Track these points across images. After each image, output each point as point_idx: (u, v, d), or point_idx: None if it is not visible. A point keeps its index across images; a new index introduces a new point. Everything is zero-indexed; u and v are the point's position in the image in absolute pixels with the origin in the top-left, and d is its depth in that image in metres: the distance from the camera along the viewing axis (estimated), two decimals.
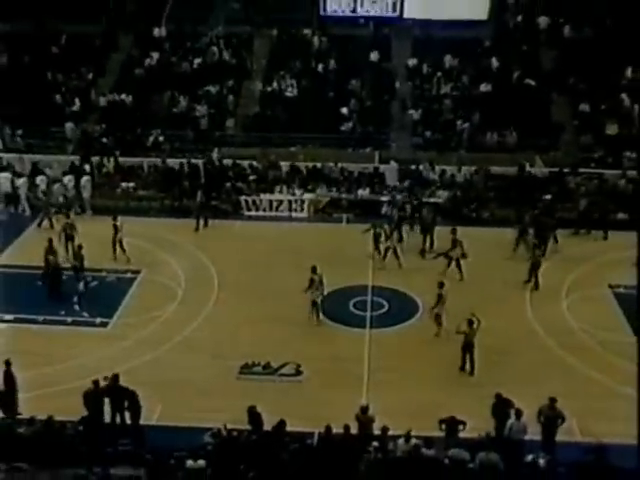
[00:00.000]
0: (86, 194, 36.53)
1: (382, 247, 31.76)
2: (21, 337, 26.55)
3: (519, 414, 20.68)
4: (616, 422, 21.70)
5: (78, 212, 35.68)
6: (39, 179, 37.08)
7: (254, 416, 21.02)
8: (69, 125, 41.06)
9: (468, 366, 25.26)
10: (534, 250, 30.11)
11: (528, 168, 37.79)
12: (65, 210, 34.43)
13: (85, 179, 36.88)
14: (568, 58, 43.44)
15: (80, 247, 30.54)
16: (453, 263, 30.79)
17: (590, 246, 33.22)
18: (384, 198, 36.70)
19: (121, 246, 31.96)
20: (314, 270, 27.81)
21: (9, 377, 22.42)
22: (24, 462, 19.96)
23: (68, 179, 37.00)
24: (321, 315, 28.08)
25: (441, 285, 27.07)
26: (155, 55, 44.44)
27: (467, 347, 25.13)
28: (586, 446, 20.18)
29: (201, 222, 34.86)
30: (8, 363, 22.47)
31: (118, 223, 32.05)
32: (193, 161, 38.53)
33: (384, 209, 36.21)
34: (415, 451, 19.98)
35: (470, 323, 24.84)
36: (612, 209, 35.46)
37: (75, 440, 20.90)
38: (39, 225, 34.93)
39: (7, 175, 37.47)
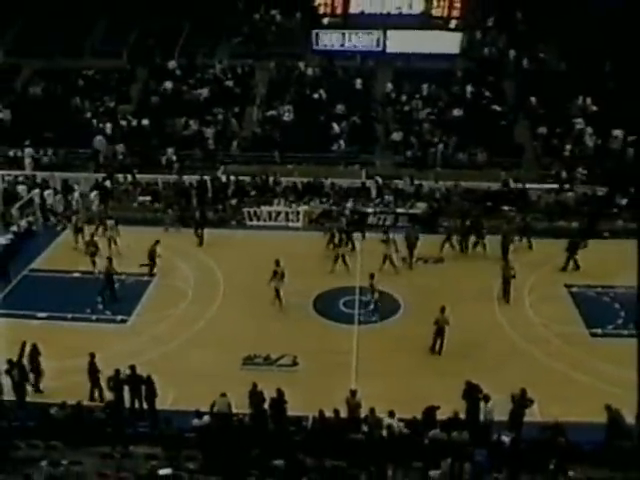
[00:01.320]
0: (94, 207, 36.61)
1: (333, 253, 32.02)
2: (53, 332, 26.69)
3: (487, 398, 21.08)
4: (571, 404, 22.08)
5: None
6: (46, 193, 37.38)
7: (256, 394, 21.49)
8: (98, 138, 41.13)
9: (438, 347, 25.84)
10: (507, 267, 29.52)
11: (512, 184, 37.89)
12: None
13: (94, 194, 37.10)
14: (528, 87, 43.68)
15: (92, 235, 32.55)
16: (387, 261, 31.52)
17: (547, 251, 33.28)
18: (369, 210, 36.93)
19: (109, 243, 32.91)
20: (277, 263, 28.59)
21: (93, 367, 22.74)
22: (57, 441, 20.19)
23: (78, 194, 37.26)
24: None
25: (372, 276, 28.27)
26: (169, 85, 44.54)
27: (439, 332, 25.67)
28: (544, 425, 20.57)
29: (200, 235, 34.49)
30: (93, 355, 22.77)
31: (108, 222, 33.76)
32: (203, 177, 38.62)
33: (369, 219, 36.57)
34: (399, 431, 20.40)
35: (442, 311, 25.53)
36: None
37: (100, 422, 21.16)
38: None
39: (24, 187, 37.68)
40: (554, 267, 31.79)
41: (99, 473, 19.27)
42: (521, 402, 21.12)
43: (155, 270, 31.24)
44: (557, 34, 45.25)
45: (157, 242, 31.25)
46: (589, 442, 20.52)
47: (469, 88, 43.88)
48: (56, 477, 18.88)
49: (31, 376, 23.08)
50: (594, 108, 42.01)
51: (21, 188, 37.70)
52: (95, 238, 32.48)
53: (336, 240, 32.99)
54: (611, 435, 20.55)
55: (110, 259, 29.69)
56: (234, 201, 37.50)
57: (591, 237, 33.28)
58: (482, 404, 21.16)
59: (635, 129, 39.72)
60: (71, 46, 46.76)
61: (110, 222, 33.88)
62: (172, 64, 45.88)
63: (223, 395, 21.34)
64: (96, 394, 22.80)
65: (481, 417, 21.23)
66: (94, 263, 31.44)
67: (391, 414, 20.68)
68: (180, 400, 22.49)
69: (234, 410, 21.31)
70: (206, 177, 38.54)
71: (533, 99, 42.74)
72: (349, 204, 36.78)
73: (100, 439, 20.59)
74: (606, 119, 40.87)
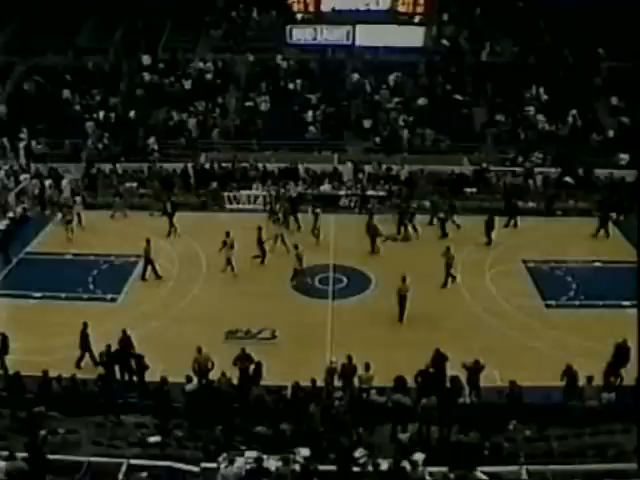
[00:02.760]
0: (66, 193, 36.21)
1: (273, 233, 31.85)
2: (48, 311, 26.65)
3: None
4: (528, 369, 22.24)
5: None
6: (22, 177, 37.37)
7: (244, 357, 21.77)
8: (89, 124, 40.93)
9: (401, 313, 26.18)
10: (446, 252, 28.86)
11: (484, 166, 38.07)
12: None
13: (65, 181, 36.84)
14: (486, 78, 43.71)
15: (61, 207, 33.99)
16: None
17: (505, 229, 33.55)
18: (341, 192, 36.90)
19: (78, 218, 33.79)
20: (227, 234, 29.15)
21: (126, 342, 22.72)
22: (55, 411, 20.11)
23: (49, 182, 36.97)
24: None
25: (296, 247, 29.04)
26: (150, 77, 44.22)
27: (401, 300, 25.96)
28: (503, 389, 20.85)
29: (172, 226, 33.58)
30: (124, 332, 22.79)
31: (77, 198, 34.85)
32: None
33: (342, 201, 36.53)
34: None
35: (403, 280, 25.82)
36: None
37: (93, 394, 21.10)
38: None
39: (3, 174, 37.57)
40: (510, 244, 32.04)
41: (93, 441, 19.28)
42: (474, 369, 21.28)
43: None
44: (512, 29, 45.77)
45: (260, 229, 30.69)
46: (545, 403, 20.85)
47: (431, 78, 43.97)
48: (54, 445, 18.85)
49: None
50: (545, 97, 42.27)
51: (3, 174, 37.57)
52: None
53: (277, 218, 33.26)
54: (568, 395, 20.83)
55: (148, 240, 29.35)
56: (215, 186, 37.20)
57: (515, 215, 33.93)
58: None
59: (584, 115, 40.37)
60: (62, 44, 46.07)
61: (77, 198, 34.77)
62: (146, 59, 45.30)
63: (199, 351, 21.76)
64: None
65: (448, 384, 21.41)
66: (70, 230, 32.59)
67: (367, 367, 21.13)
68: (168, 373, 22.23)
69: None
70: (189, 164, 38.42)
71: (490, 89, 42.92)
72: (324, 187, 36.95)
73: (94, 409, 20.53)
74: (556, 107, 41.34)
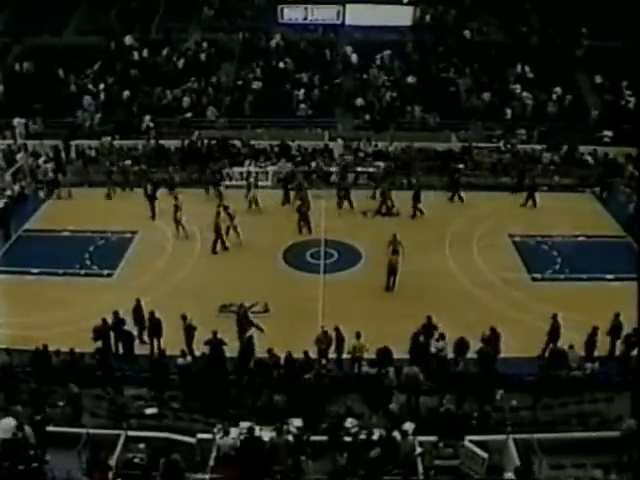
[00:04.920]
0: (42, 166, 36.40)
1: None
2: (46, 287, 26.50)
3: (443, 336, 21.39)
4: (514, 341, 22.24)
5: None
6: (18, 156, 37.24)
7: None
8: (87, 98, 40.67)
9: (391, 284, 26.31)
10: (394, 239, 27.67)
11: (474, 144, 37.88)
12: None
13: (42, 159, 36.80)
14: (473, 57, 43.53)
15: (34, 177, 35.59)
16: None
17: (492, 204, 33.48)
18: (332, 169, 36.68)
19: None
20: (176, 198, 30.45)
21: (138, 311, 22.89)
22: (56, 385, 20.05)
23: (22, 154, 36.97)
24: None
25: (225, 208, 29.67)
26: (147, 57, 43.93)
27: (391, 270, 26.01)
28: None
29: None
30: (138, 300, 22.95)
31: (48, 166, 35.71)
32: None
33: (332, 177, 36.33)
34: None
35: (394, 252, 25.93)
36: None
37: (91, 367, 21.04)
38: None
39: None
40: (496, 219, 31.92)
41: (92, 413, 19.25)
42: (462, 344, 21.36)
43: None
44: (498, 9, 45.76)
45: (302, 199, 31.04)
46: (530, 374, 20.95)
47: (420, 57, 43.73)
48: (54, 417, 18.84)
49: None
50: (530, 75, 42.15)
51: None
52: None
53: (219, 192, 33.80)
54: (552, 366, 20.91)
55: (219, 213, 29.30)
56: (209, 163, 36.83)
57: (457, 189, 34.00)
58: (437, 341, 21.45)
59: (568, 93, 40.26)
60: (57, 25, 45.73)
61: (49, 165, 35.89)
62: (128, 39, 44.74)
63: (184, 319, 22.01)
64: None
65: (432, 350, 21.51)
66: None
67: (358, 335, 21.24)
68: (164, 345, 22.19)
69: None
70: (186, 141, 38.07)
71: (477, 67, 42.75)
72: (315, 163, 36.73)
73: (92, 382, 20.50)
74: (541, 85, 41.27)
